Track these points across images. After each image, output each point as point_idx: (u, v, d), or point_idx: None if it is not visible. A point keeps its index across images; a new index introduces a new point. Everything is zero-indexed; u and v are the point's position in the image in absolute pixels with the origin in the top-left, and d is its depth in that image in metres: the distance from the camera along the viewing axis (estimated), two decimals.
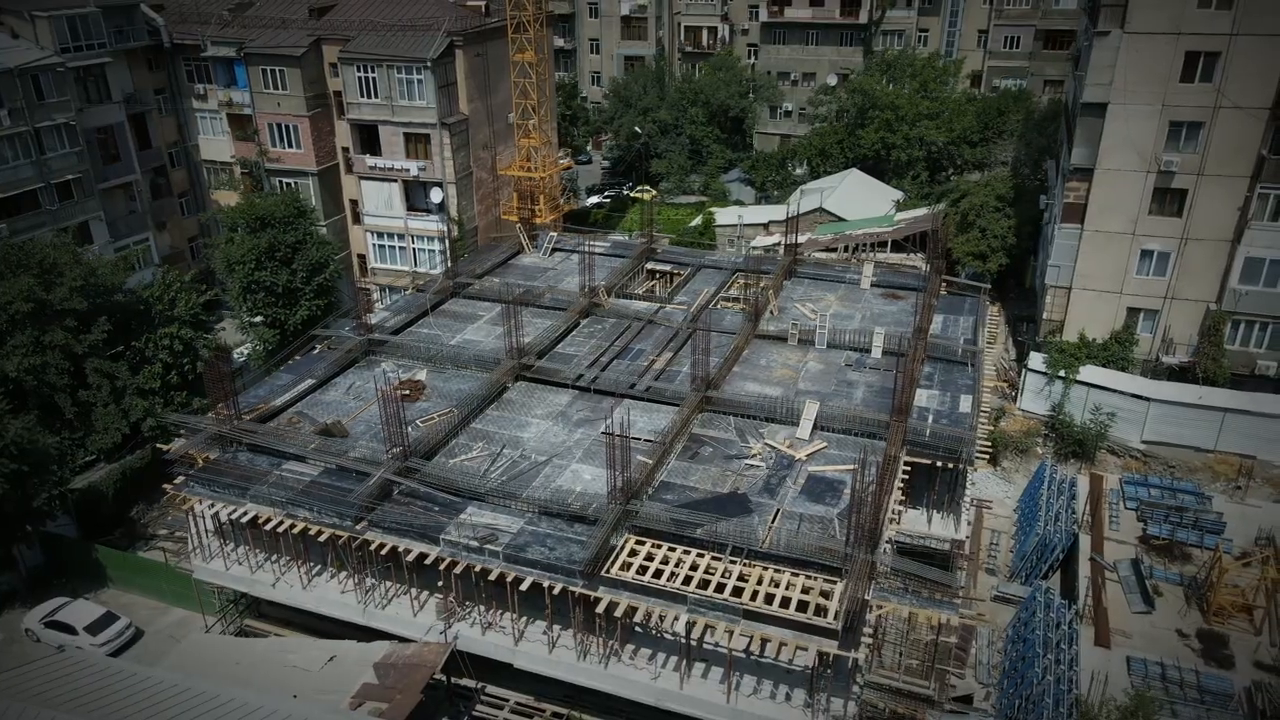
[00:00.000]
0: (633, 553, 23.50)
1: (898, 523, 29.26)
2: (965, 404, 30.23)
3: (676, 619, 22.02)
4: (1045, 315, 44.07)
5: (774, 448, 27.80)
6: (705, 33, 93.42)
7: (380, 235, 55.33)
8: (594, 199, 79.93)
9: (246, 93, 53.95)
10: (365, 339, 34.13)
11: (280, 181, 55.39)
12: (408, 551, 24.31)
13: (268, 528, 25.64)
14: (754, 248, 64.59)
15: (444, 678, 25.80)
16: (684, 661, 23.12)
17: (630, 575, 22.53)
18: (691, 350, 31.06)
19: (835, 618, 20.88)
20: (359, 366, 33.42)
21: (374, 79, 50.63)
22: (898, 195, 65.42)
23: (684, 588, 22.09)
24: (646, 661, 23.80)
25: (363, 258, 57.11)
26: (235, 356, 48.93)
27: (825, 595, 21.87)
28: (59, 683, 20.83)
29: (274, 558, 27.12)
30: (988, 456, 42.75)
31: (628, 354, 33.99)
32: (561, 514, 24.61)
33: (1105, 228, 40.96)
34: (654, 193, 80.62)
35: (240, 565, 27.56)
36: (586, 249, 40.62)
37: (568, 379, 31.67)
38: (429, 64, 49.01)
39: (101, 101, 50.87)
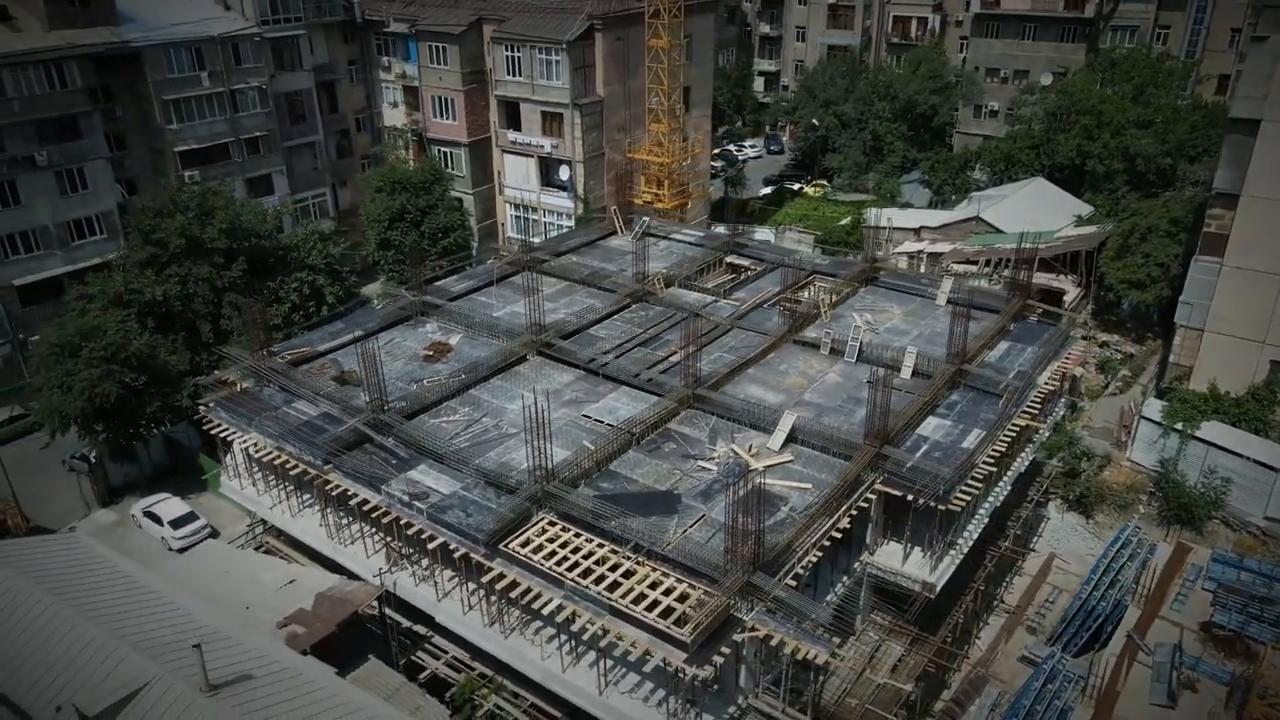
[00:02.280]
0: (542, 531, 24.02)
1: (871, 553, 27.62)
2: (972, 439, 27.67)
3: (550, 602, 22.35)
4: (1172, 358, 38.85)
5: (736, 453, 27.04)
6: (915, 23, 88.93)
7: (517, 207, 58.37)
8: (766, 190, 79.06)
9: (416, 66, 58.64)
10: (419, 299, 36.65)
11: (439, 150, 59.83)
12: (355, 495, 26.31)
13: (261, 457, 28.68)
14: (897, 253, 61.48)
15: (394, 620, 27.70)
16: (567, 646, 23.41)
17: (524, 552, 23.11)
18: (708, 347, 30.74)
19: (689, 630, 20.32)
20: (408, 324, 35.98)
21: (519, 58, 53.32)
22: (1085, 210, 59.37)
23: (564, 573, 22.37)
24: (546, 641, 24.28)
25: (504, 226, 60.50)
26: (374, 306, 53.77)
27: (696, 608, 21.28)
28: (41, 556, 24.84)
29: (279, 485, 30.18)
30: (1064, 501, 38.77)
31: (653, 343, 34.06)
32: (494, 484, 25.56)
33: (1248, 265, 35.45)
34: (820, 188, 78.40)
35: (253, 488, 30.94)
36: (671, 237, 40.92)
37: (579, 360, 32.37)
38: (565, 46, 50.89)
39: (293, 69, 57.38)
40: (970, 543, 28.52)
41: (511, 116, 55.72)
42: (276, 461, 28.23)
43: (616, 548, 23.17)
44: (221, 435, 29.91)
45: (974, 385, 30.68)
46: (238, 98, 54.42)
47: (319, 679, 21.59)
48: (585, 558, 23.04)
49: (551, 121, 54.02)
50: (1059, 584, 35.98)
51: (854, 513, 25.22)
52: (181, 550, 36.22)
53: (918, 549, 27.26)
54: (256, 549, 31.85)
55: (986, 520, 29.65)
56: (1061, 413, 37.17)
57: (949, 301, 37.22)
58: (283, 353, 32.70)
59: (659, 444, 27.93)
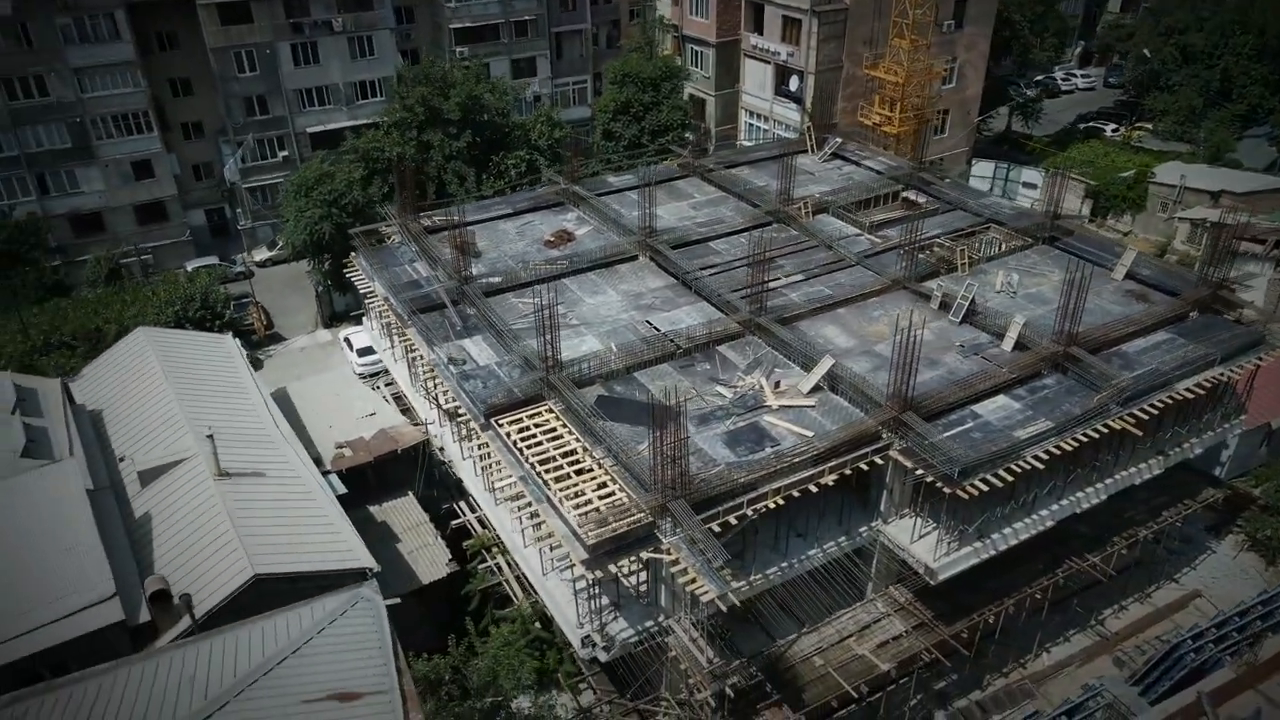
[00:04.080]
0: (535, 416, 25.48)
1: (885, 522, 25.85)
2: (1031, 430, 24.39)
3: (508, 479, 23.95)
4: None
5: (760, 387, 26.24)
6: None
7: (752, 114, 57.54)
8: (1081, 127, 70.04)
9: None
10: (569, 189, 38.49)
11: (691, 48, 60.21)
12: (416, 349, 29.44)
13: (372, 304, 32.80)
14: (1182, 218, 52.70)
15: (441, 467, 31.02)
16: (529, 525, 24.89)
17: (507, 429, 24.80)
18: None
19: (592, 532, 20.98)
20: (553, 210, 38.08)
21: None
22: None
23: (528, 455, 23.77)
24: (514, 515, 25.93)
25: (740, 132, 60.00)
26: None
27: (619, 517, 21.73)
28: (187, 347, 30.85)
29: (386, 330, 34.30)
30: (1247, 538, 32.74)
31: (761, 265, 33.11)
32: (526, 367, 27.26)
33: None
34: (1139, 131, 67.85)
35: (375, 330, 35.44)
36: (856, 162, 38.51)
37: (675, 268, 32.55)
38: None
39: None
40: (1010, 542, 25.46)
41: (756, 18, 54.36)
42: (381, 310, 32.11)
43: (589, 447, 24.01)
44: (354, 279, 34.41)
45: (1081, 372, 26.58)
46: None
47: (318, 492, 25.22)
48: (558, 449, 24.18)
49: (791, 27, 51.99)
50: (1189, 622, 30.85)
51: (849, 472, 23.73)
52: (361, 376, 42.33)
53: (938, 531, 24.95)
54: (377, 386, 36.50)
55: (1049, 525, 26.17)
56: (1235, 431, 30.89)
57: (1130, 277, 31.92)
58: (431, 216, 36.31)
59: (695, 362, 27.79)
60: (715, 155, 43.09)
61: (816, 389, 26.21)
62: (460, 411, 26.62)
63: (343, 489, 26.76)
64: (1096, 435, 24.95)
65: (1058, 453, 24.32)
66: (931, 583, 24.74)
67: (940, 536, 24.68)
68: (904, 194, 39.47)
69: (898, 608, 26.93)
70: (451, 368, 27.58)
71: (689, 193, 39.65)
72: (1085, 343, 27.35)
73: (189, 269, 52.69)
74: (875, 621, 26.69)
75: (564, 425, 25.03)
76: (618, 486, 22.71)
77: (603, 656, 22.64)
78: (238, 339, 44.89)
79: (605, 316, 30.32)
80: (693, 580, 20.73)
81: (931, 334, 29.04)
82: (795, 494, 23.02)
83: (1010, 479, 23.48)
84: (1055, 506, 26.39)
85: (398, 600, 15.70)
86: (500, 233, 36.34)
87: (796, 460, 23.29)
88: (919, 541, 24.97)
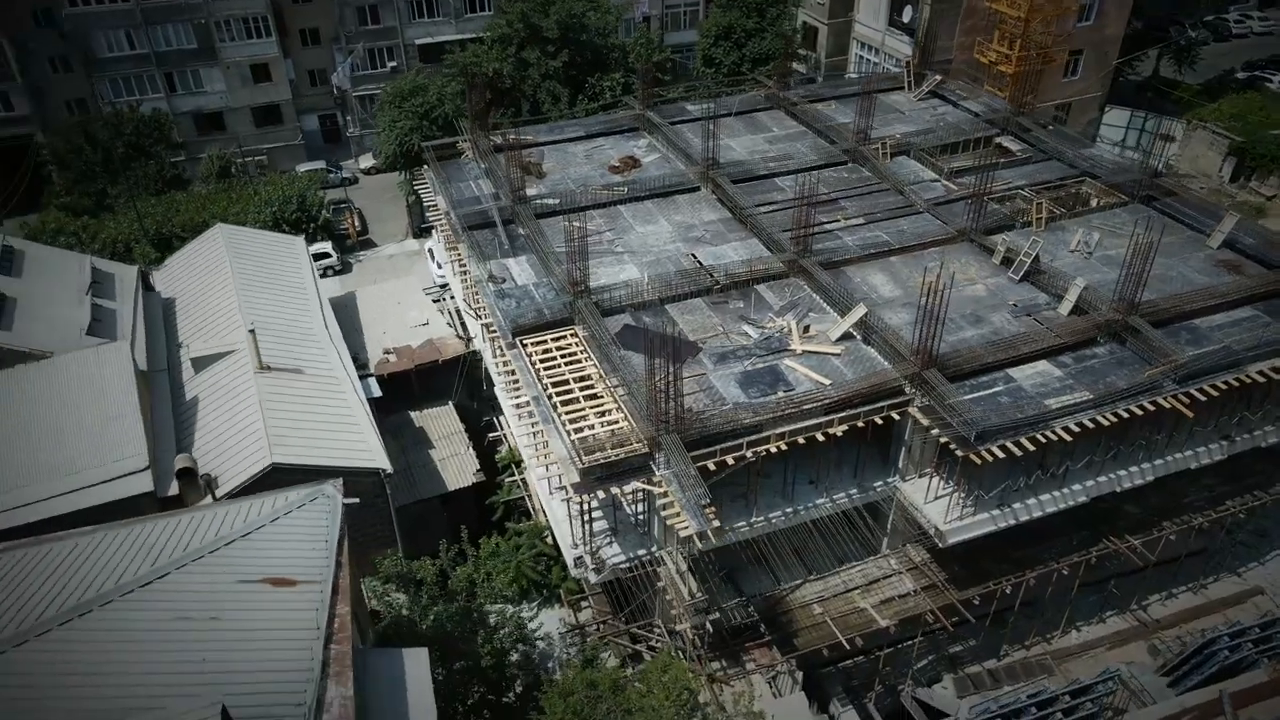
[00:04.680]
0: (559, 338, 25.84)
1: (904, 479, 25.20)
2: (1064, 400, 23.09)
3: (522, 398, 24.52)
4: None
5: (788, 329, 25.70)
6: None
7: (863, 45, 54.92)
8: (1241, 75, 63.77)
9: None
10: (644, 114, 38.01)
11: None
12: (465, 265, 30.18)
13: (433, 216, 33.70)
14: None
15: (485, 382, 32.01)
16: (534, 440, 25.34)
17: (529, 349, 25.30)
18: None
19: (585, 457, 21.35)
20: (625, 135, 37.76)
21: None
22: None
23: (543, 376, 24.23)
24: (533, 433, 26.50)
25: (851, 64, 57.38)
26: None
27: (617, 448, 21.98)
28: (263, 247, 32.55)
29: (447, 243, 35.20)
30: None
31: (822, 207, 32.03)
32: (557, 288, 27.57)
33: None
34: None
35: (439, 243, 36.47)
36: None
37: (732, 201, 31.90)
38: None
39: None
40: (1033, 514, 24.39)
41: None
42: (440, 223, 32.96)
43: (605, 375, 24.25)
44: (422, 191, 35.30)
45: (1139, 344, 24.81)
46: None
47: (350, 393, 26.51)
48: (574, 374, 24.53)
49: None
50: (1244, 620, 29.00)
51: (861, 425, 23.15)
52: (441, 287, 43.72)
53: (954, 493, 24.14)
54: (448, 298, 37.62)
55: (1078, 502, 24.89)
56: None
57: (1226, 245, 29.31)
58: (505, 134, 36.65)
59: (729, 299, 27.40)
60: (805, 88, 41.45)
61: (847, 337, 25.49)
62: (493, 328, 27.25)
63: (377, 392, 28.01)
64: (1140, 412, 23.32)
65: (1091, 426, 22.94)
66: (940, 545, 24.07)
67: (955, 500, 23.86)
68: (998, 140, 37.10)
69: (911, 566, 26.36)
70: (490, 284, 28.17)
71: (768, 126, 38.48)
72: (1151, 313, 25.47)
73: (298, 171, 55.13)
74: (885, 578, 26.24)
75: (584, 351, 25.30)
76: (623, 416, 22.92)
77: (592, 578, 23.22)
78: (330, 242, 47.24)
79: (651, 246, 30.15)
80: (676, 514, 20.87)
81: (986, 290, 27.67)
82: (801, 441, 22.66)
83: (1032, 449, 22.35)
84: (1090, 482, 24.99)
85: (356, 500, 16.53)
86: (569, 155, 36.38)
87: (806, 407, 22.88)
88: (933, 502, 24.22)
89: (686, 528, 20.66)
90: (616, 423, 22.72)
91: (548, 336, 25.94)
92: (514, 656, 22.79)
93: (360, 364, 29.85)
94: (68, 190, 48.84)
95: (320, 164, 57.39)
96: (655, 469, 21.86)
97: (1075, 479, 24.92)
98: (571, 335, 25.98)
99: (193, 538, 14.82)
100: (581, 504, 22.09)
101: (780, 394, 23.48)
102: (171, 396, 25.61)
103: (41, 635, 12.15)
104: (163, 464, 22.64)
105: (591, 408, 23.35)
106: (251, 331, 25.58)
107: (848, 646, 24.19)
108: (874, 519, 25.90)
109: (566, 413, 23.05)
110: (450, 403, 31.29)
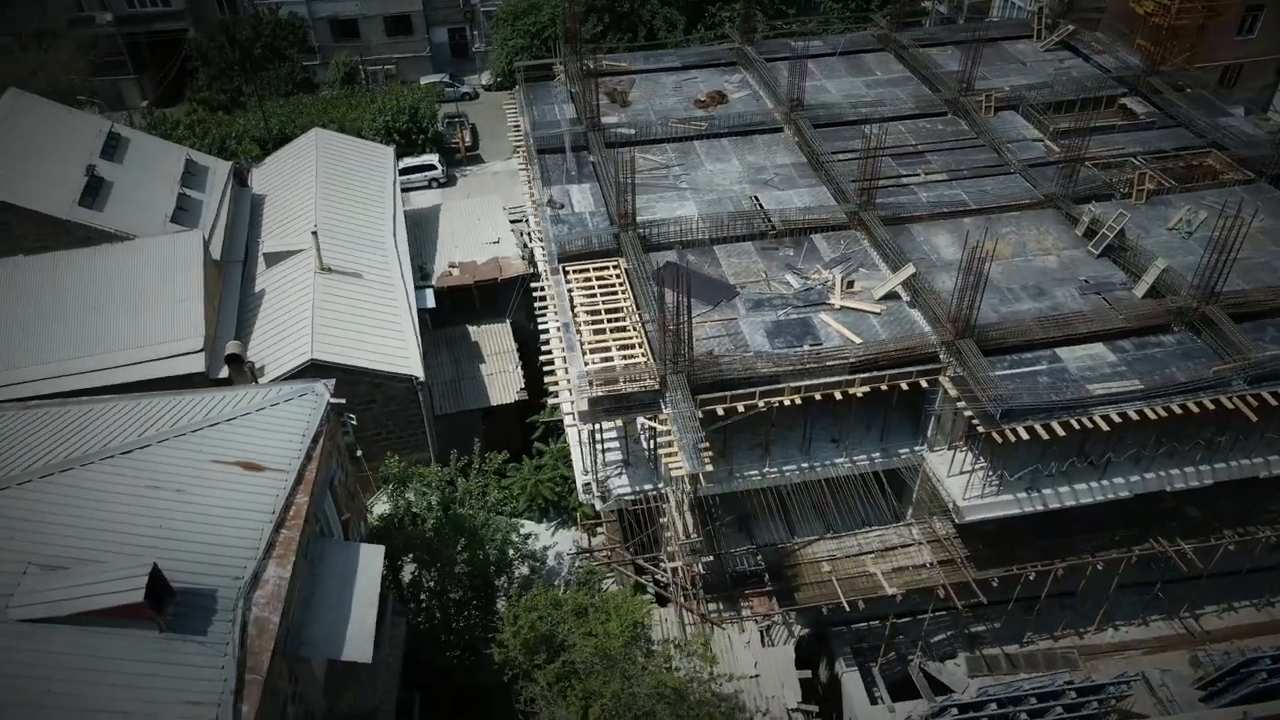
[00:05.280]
0: (601, 269, 26.04)
1: (931, 449, 24.42)
2: (1107, 387, 21.64)
3: (553, 323, 24.99)
4: None
5: (831, 283, 24.97)
6: None
7: None
8: None
9: None
10: (739, 47, 36.99)
11: None
12: (532, 187, 30.67)
13: (511, 137, 34.21)
14: None
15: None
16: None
17: (570, 276, 25.67)
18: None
19: (591, 386, 21.69)
20: (720, 69, 36.90)
21: None
22: None
23: (576, 304, 24.60)
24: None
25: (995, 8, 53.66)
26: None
27: (630, 382, 22.19)
28: (359, 155, 33.96)
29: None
30: None
31: (905, 159, 30.65)
32: (610, 219, 27.65)
33: None
34: None
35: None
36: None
37: (810, 147, 30.87)
38: None
39: None
40: (1065, 503, 23.17)
41: None
42: (516, 144, 33.43)
43: (637, 310, 24.37)
44: (508, 111, 35.78)
45: (1211, 338, 22.85)
46: None
47: (402, 302, 27.68)
48: (607, 305, 24.74)
49: None
50: None
51: (885, 388, 22.47)
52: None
53: (979, 470, 23.21)
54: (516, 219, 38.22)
55: (1119, 496, 23.44)
56: None
57: None
58: (599, 59, 36.49)
59: (780, 246, 26.78)
60: (921, 30, 39.14)
61: (892, 297, 24.56)
62: (541, 252, 27.69)
63: (431, 304, 29.09)
64: (1196, 410, 21.58)
65: (1136, 418, 21.42)
66: (957, 520, 23.28)
67: (980, 477, 22.93)
68: (1123, 100, 34.15)
69: (932, 539, 25.61)
70: (549, 208, 28.53)
71: (872, 69, 36.73)
72: (1237, 304, 23.29)
73: (421, 83, 56.68)
74: (904, 546, 25.62)
75: (623, 284, 25.42)
76: (643, 352, 23.05)
77: (598, 505, 23.77)
78: (438, 155, 48.62)
79: (717, 185, 29.66)
80: (673, 453, 21.00)
81: (1058, 262, 25.97)
82: (817, 397, 22.22)
83: (1062, 434, 21.13)
84: (1135, 478, 23.42)
85: (343, 401, 17.46)
86: (659, 85, 35.95)
87: (830, 363, 22.35)
88: (956, 476, 23.35)
89: (680, 467, 20.77)
90: (636, 358, 22.87)
91: (590, 266, 26.17)
92: (518, 570, 23.74)
93: (424, 275, 30.99)
94: (208, 85, 52.02)
95: (443, 77, 58.72)
96: (665, 408, 21.96)
97: (1118, 471, 23.42)
98: (614, 267, 26.11)
99: (186, 416, 16.10)
100: (593, 432, 22.52)
101: (807, 347, 22.99)
102: (241, 287, 27.43)
103: (23, 484, 13.68)
104: (218, 348, 24.44)
105: (616, 340, 23.55)
106: (314, 233, 26.95)
107: (847, 609, 23.91)
108: (898, 487, 25.27)
109: (590, 342, 23.37)
110: (507, 321, 32.15)
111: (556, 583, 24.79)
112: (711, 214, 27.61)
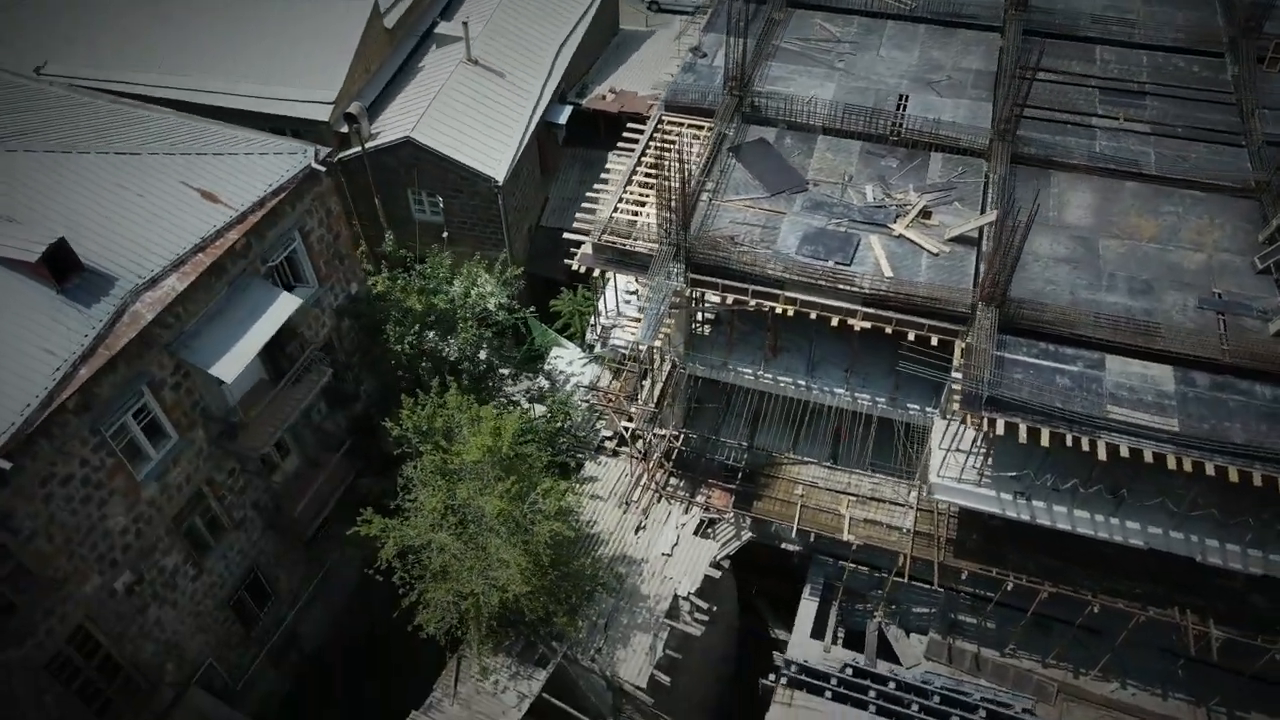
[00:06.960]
0: (694, 126, 25.31)
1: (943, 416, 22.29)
2: (1129, 416, 18.18)
3: (620, 162, 25.08)
4: None
5: (904, 208, 22.47)
6: None
7: None
8: None
9: None
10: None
11: None
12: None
13: None
14: None
15: None
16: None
17: (662, 125, 25.39)
18: None
19: (594, 232, 21.99)
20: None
21: None
22: None
23: (648, 150, 24.49)
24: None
25: None
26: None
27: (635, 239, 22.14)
28: None
29: None
30: None
31: (1115, 96, 25.72)
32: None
33: None
34: None
35: None
36: None
37: (1008, 56, 26.77)
38: None
39: None
40: (1054, 523, 20.27)
41: None
42: None
43: (692, 175, 23.71)
44: None
45: None
46: None
47: (524, 110, 28.86)
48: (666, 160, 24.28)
49: None
50: None
51: (889, 331, 20.56)
52: None
53: (970, 451, 20.85)
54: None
55: (1128, 541, 20.00)
56: None
57: None
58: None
59: (888, 154, 24.26)
60: None
61: (965, 240, 21.75)
62: (658, 95, 27.32)
63: (563, 119, 30.00)
64: (1235, 478, 17.60)
65: (1151, 462, 17.95)
66: (926, 494, 21.34)
67: (970, 460, 20.63)
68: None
69: (926, 509, 23.63)
70: (691, 55, 27.80)
71: None
72: None
73: None
74: (890, 503, 23.93)
75: (703, 147, 24.69)
76: (671, 217, 22.68)
77: (597, 349, 24.51)
78: None
79: (874, 74, 26.96)
80: (638, 319, 21.08)
81: (1199, 263, 21.40)
82: (813, 316, 20.86)
83: (1046, 445, 18.33)
84: (1158, 531, 19.77)
85: (324, 169, 19.29)
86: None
87: (841, 287, 20.71)
88: (950, 451, 21.13)
89: (634, 334, 20.86)
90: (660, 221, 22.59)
91: (685, 121, 25.56)
92: (523, 381, 25.39)
93: (581, 92, 31.80)
94: None
95: None
96: (664, 277, 21.78)
97: (1138, 515, 19.89)
98: (708, 131, 25.28)
99: (190, 140, 18.98)
100: (602, 274, 23.01)
101: (832, 263, 21.33)
102: (407, 60, 30.01)
103: (12, 152, 17.20)
104: (349, 106, 27.44)
105: (658, 198, 23.28)
106: (465, 23, 28.55)
107: (794, 535, 23.22)
108: (909, 439, 23.39)
109: (633, 194, 23.38)
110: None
111: (549, 402, 25.87)
112: (836, 101, 25.42)
